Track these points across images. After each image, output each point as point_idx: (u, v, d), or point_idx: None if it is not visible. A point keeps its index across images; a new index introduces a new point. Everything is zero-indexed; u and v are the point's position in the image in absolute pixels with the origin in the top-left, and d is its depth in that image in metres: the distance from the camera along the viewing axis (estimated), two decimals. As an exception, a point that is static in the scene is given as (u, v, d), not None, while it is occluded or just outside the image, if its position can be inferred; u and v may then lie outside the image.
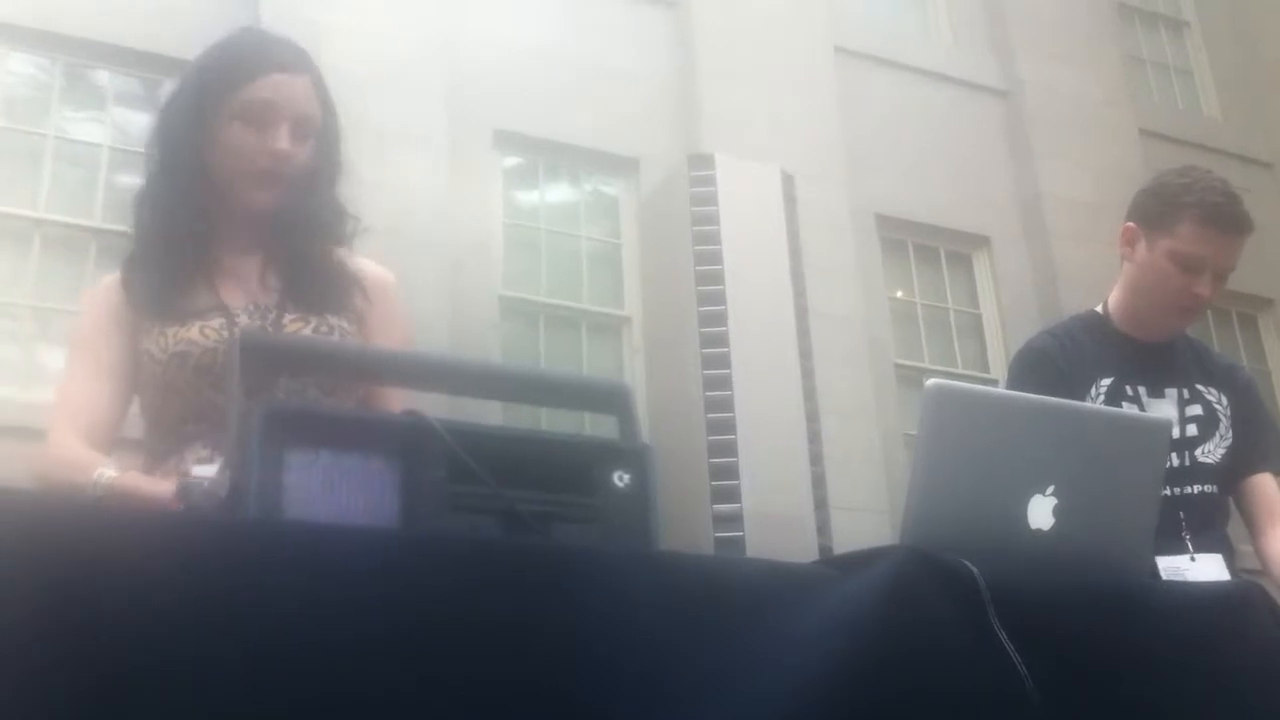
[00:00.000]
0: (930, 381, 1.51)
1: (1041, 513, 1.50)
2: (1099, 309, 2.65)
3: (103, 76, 6.42)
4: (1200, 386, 2.57)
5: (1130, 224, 2.55)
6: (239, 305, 1.93)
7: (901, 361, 7.73)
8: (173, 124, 1.95)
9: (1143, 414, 2.35)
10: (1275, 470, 2.59)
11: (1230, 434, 2.55)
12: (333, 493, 1.23)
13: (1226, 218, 2.44)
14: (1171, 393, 2.54)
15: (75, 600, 0.98)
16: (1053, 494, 1.50)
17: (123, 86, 6.47)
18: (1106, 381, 2.50)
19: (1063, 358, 2.53)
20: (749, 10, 7.72)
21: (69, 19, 6.14)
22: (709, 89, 7.46)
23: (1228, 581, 2.25)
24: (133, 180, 6.26)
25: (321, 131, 1.97)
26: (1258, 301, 9.35)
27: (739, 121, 7.31)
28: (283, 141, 1.89)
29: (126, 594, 1.00)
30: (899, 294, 8.10)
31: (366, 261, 2.07)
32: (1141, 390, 2.52)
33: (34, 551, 0.98)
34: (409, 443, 1.28)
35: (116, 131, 6.37)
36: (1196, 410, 2.53)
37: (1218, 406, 2.56)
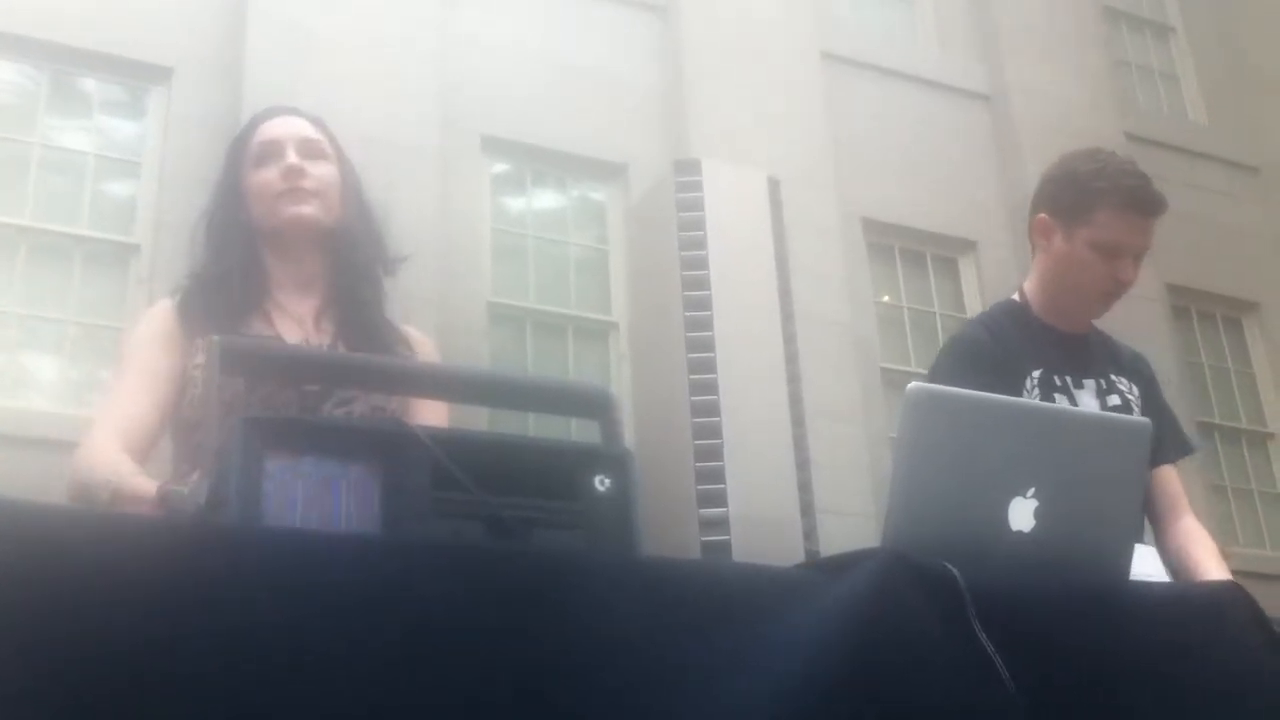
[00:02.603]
0: (911, 384, 1.51)
1: (1022, 515, 1.51)
2: (1016, 298, 2.62)
3: (89, 84, 6.39)
4: (1114, 377, 2.55)
5: (1043, 215, 2.52)
6: (294, 340, 2.03)
7: (888, 365, 7.74)
8: (220, 188, 2.15)
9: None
10: (1173, 461, 2.56)
11: None
12: (314, 499, 1.23)
13: (1144, 201, 2.42)
14: (1090, 383, 2.51)
15: (51, 605, 0.98)
16: (1033, 496, 1.51)
17: (109, 95, 6.44)
18: (1037, 372, 2.47)
19: (998, 348, 2.48)
20: (736, 16, 7.73)
21: (56, 27, 6.12)
22: (696, 95, 7.47)
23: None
24: (119, 188, 6.28)
25: (336, 156, 2.15)
26: (1242, 305, 9.37)
27: (726, 127, 7.31)
28: (290, 158, 2.06)
29: (103, 598, 1.00)
30: (885, 298, 8.11)
31: (410, 327, 2.23)
32: (1068, 380, 2.49)
33: (10, 555, 0.98)
34: (391, 449, 1.28)
35: (103, 139, 6.35)
36: (1115, 401, 2.50)
37: (1130, 397, 2.53)
